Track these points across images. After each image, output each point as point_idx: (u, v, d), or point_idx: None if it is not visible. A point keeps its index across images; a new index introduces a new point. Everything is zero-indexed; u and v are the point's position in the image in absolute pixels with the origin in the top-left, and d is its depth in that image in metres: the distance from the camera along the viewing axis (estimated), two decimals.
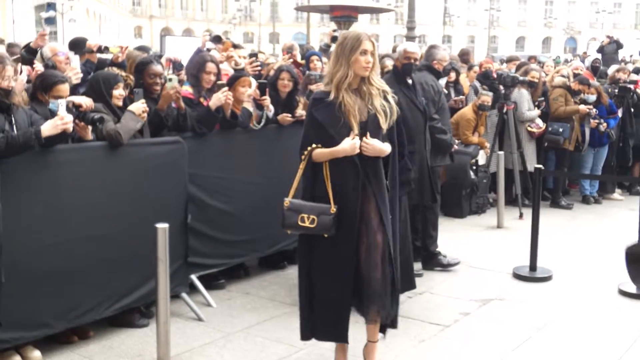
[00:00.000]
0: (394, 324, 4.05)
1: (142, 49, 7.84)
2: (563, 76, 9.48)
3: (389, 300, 3.88)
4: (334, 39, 7.89)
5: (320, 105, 3.77)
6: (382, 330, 4.04)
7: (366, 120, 3.74)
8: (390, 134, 3.87)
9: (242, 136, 5.59)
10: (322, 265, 3.84)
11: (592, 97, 8.99)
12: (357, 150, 3.66)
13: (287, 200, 3.79)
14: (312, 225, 3.69)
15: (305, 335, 3.98)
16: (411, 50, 5.79)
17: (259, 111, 5.77)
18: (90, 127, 4.39)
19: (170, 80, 4.97)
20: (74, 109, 4.21)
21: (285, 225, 3.82)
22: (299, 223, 3.72)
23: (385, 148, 3.77)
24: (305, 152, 3.76)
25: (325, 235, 3.71)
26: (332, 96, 3.73)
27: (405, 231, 5.09)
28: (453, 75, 8.80)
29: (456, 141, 6.52)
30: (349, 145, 3.64)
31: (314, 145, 3.73)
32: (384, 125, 3.76)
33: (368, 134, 3.71)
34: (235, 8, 65.01)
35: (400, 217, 4.27)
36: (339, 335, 3.89)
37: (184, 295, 5.05)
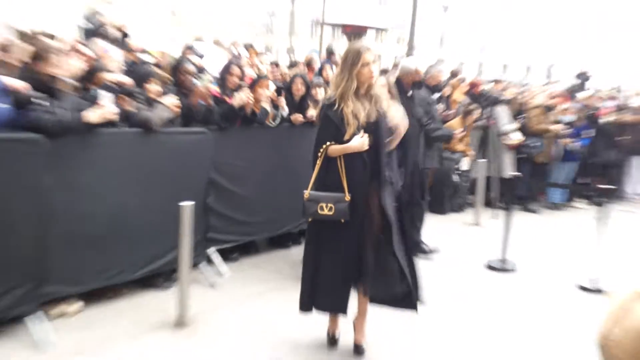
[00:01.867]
0: (417, 303, 3.97)
1: (191, 48, 7.87)
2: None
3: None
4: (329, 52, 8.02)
5: (333, 109, 3.75)
6: (414, 307, 3.97)
7: (375, 120, 3.74)
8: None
9: (260, 131, 5.63)
10: (330, 247, 3.83)
11: (571, 117, 9.07)
12: (366, 147, 3.67)
13: (307, 193, 3.77)
14: (330, 213, 3.69)
15: (305, 307, 3.94)
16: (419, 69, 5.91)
17: (275, 111, 5.81)
18: (131, 102, 4.48)
19: (202, 79, 5.04)
20: (117, 86, 4.29)
21: (306, 214, 3.79)
22: (319, 211, 3.70)
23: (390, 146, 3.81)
24: (322, 149, 3.75)
25: (342, 221, 3.71)
26: (336, 105, 3.73)
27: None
28: (448, 90, 8.89)
29: (456, 132, 6.57)
30: (359, 142, 3.65)
31: (328, 143, 3.73)
32: (391, 123, 3.80)
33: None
34: (259, 23, 64.94)
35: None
36: (340, 308, 3.90)
37: (203, 265, 5.12)
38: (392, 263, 3.81)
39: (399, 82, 5.59)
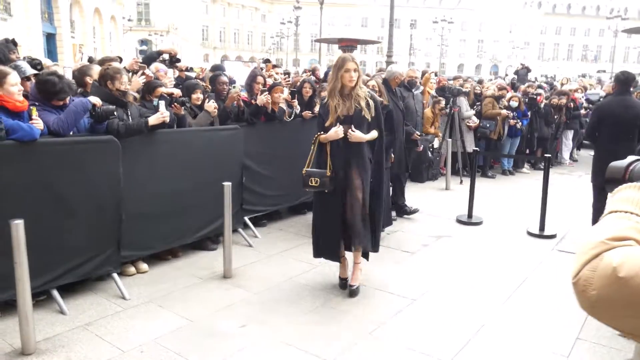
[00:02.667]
0: (376, 249, 4.04)
1: (217, 67, 7.79)
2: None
3: (368, 236, 3.88)
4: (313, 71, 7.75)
5: (323, 103, 3.84)
6: (366, 256, 4.03)
7: (353, 114, 3.71)
8: (378, 124, 3.84)
9: (279, 125, 5.54)
10: (323, 211, 3.89)
11: (515, 103, 8.97)
12: (341, 135, 3.68)
13: (304, 170, 3.83)
14: (316, 185, 3.75)
15: (316, 254, 4.03)
16: (401, 73, 5.84)
17: (290, 109, 5.72)
18: (182, 108, 4.45)
19: (234, 87, 5.00)
20: (170, 97, 4.25)
21: (303, 186, 3.83)
22: (309, 184, 3.77)
23: (364, 136, 3.74)
24: (314, 138, 3.83)
25: (326, 191, 3.75)
26: (325, 100, 3.79)
27: (387, 190, 5.09)
28: (421, 87, 8.77)
29: (417, 132, 6.50)
30: (334, 132, 3.69)
31: (319, 133, 3.79)
32: (368, 117, 3.73)
33: (353, 126, 3.69)
34: (270, 42, 64.40)
35: (384, 181, 4.25)
36: (334, 257, 3.96)
37: (240, 229, 5.07)
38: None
39: (386, 82, 5.48)
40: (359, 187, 3.75)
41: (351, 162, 3.74)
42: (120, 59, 5.70)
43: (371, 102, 3.77)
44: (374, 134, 3.81)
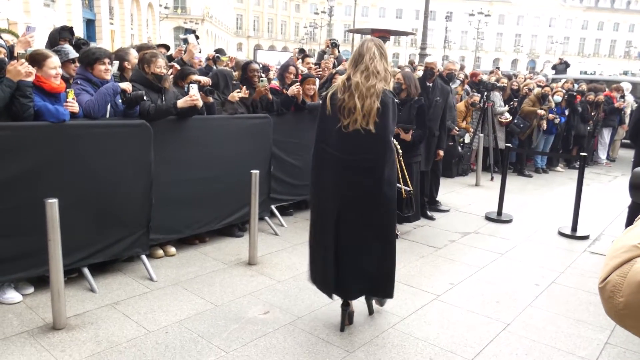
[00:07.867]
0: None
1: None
2: (528, 88, 9.10)
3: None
4: (333, 44, 7.33)
5: None
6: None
7: None
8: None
9: (308, 115, 5.48)
10: None
11: (559, 98, 8.73)
12: None
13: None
14: None
15: None
16: (430, 61, 5.72)
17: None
18: (209, 97, 4.46)
19: (262, 81, 5.01)
20: (198, 84, 4.28)
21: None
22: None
23: None
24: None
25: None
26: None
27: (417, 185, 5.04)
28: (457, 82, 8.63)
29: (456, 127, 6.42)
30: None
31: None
32: None
33: None
34: (303, 32, 64.29)
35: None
36: None
37: (267, 218, 5.10)
38: None
39: (423, 77, 5.41)
40: None
41: None
42: (167, 47, 5.80)
43: None
44: None
